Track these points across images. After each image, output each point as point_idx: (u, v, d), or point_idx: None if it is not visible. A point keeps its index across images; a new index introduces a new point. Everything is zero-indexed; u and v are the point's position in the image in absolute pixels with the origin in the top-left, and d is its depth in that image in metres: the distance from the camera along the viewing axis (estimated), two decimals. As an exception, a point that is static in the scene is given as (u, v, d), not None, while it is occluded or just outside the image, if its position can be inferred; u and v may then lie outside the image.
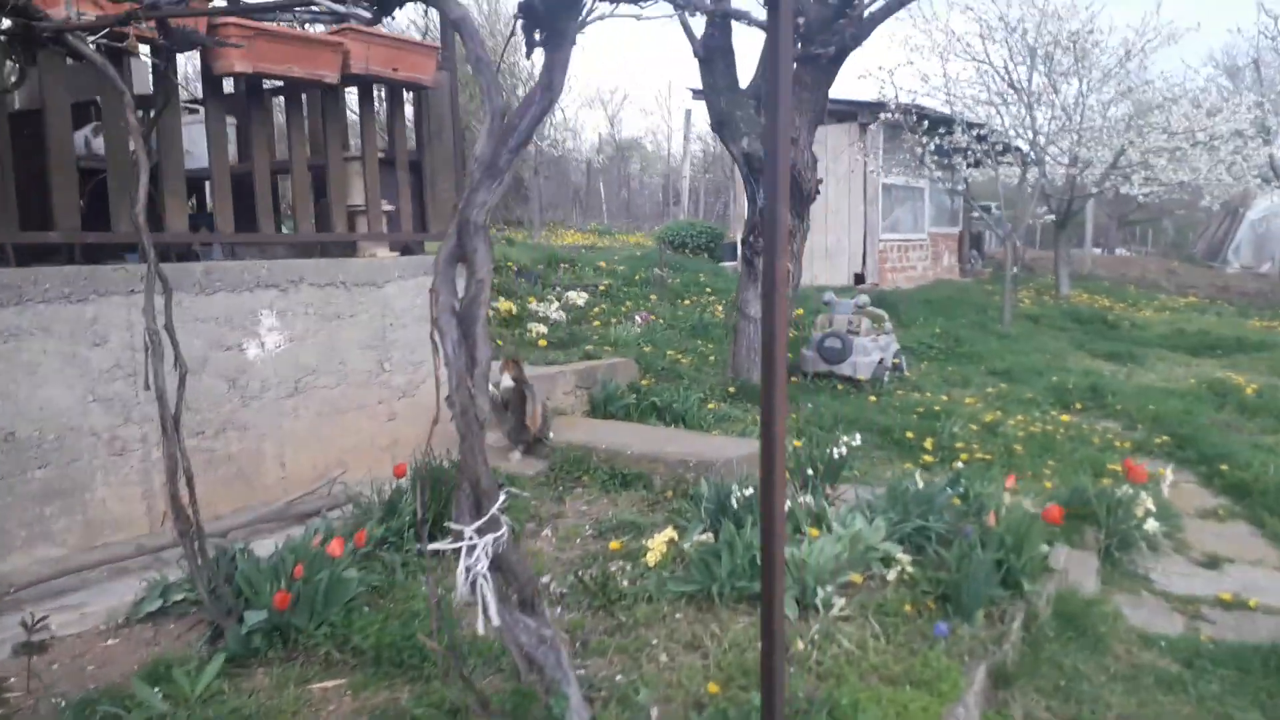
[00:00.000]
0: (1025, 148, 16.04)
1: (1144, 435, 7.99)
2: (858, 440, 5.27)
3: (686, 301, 11.77)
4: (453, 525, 2.56)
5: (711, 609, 3.96)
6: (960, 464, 6.57)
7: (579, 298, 10.85)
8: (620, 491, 5.52)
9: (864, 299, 9.04)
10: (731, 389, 7.76)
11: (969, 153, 14.74)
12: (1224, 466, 6.68)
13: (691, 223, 20.74)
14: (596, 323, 9.52)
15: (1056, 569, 4.46)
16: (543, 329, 8.58)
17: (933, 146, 14.68)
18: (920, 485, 4.71)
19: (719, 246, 18.51)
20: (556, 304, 9.92)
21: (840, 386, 8.72)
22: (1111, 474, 6.35)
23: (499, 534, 2.55)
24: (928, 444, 6.95)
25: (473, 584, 2.49)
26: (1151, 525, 5.18)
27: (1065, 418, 7.99)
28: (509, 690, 2.97)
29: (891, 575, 4.23)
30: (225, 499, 4.74)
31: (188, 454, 3.19)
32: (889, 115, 14.56)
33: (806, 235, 7.81)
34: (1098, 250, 27.76)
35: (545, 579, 4.19)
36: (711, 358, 9.04)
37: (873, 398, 8.37)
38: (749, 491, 4.47)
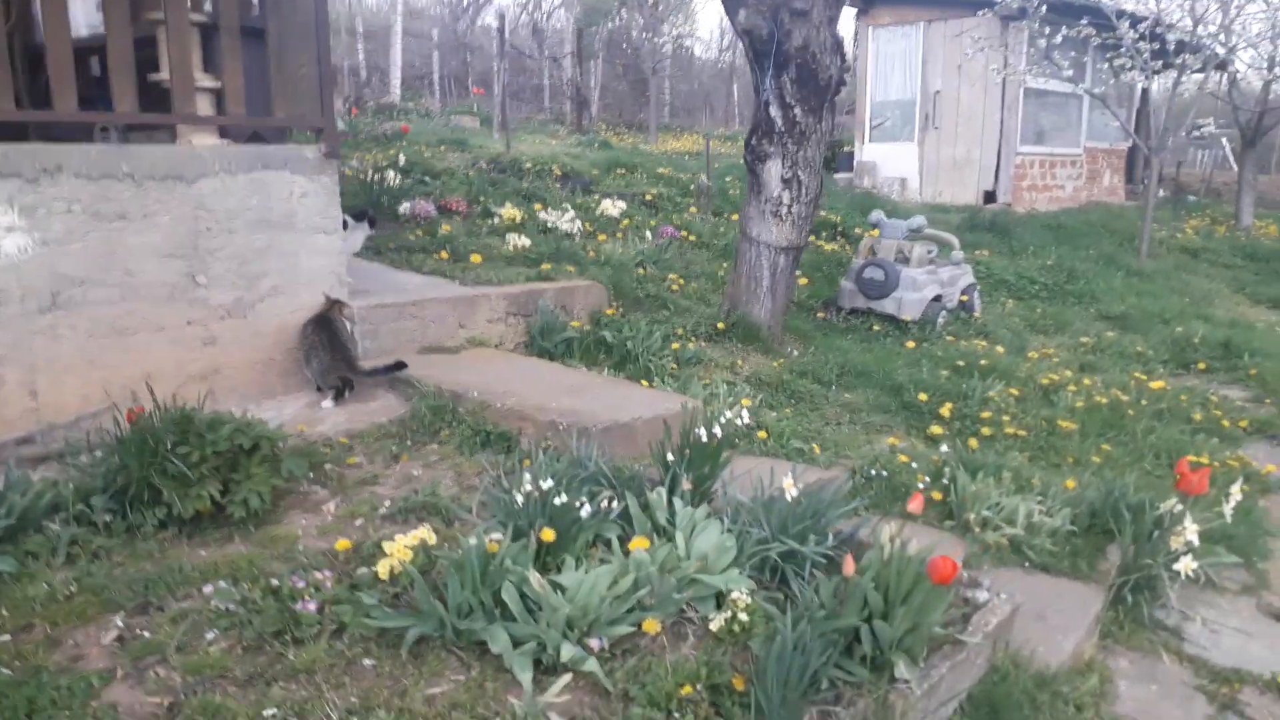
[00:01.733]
0: (1218, 49, 13.15)
1: (1274, 413, 6.03)
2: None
3: (736, 216, 10.16)
4: None
5: (420, 659, 2.73)
6: (978, 441, 4.95)
7: (614, 207, 9.49)
8: (474, 454, 4.28)
9: (920, 220, 7.28)
10: (721, 325, 6.30)
11: (1139, 53, 12.11)
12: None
13: None
14: (603, 237, 8.15)
15: (980, 631, 2.94)
16: (525, 241, 7.31)
17: (1096, 43, 12.16)
18: (793, 489, 3.25)
19: (836, 156, 16.53)
20: (570, 213, 8.59)
21: (877, 327, 7.07)
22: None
23: None
24: (945, 410, 5.33)
25: None
26: (1187, 564, 3.51)
27: (1159, 385, 6.09)
28: None
29: (715, 624, 2.86)
30: (-61, 437, 3.82)
31: None
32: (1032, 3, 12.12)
33: (826, 138, 6.15)
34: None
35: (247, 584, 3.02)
36: (727, 286, 7.54)
37: (912, 343, 6.70)
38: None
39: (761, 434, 4.59)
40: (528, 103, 27.23)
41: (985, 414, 5.28)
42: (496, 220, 8.44)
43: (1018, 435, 5.12)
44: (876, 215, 7.51)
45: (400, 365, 4.79)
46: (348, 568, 3.23)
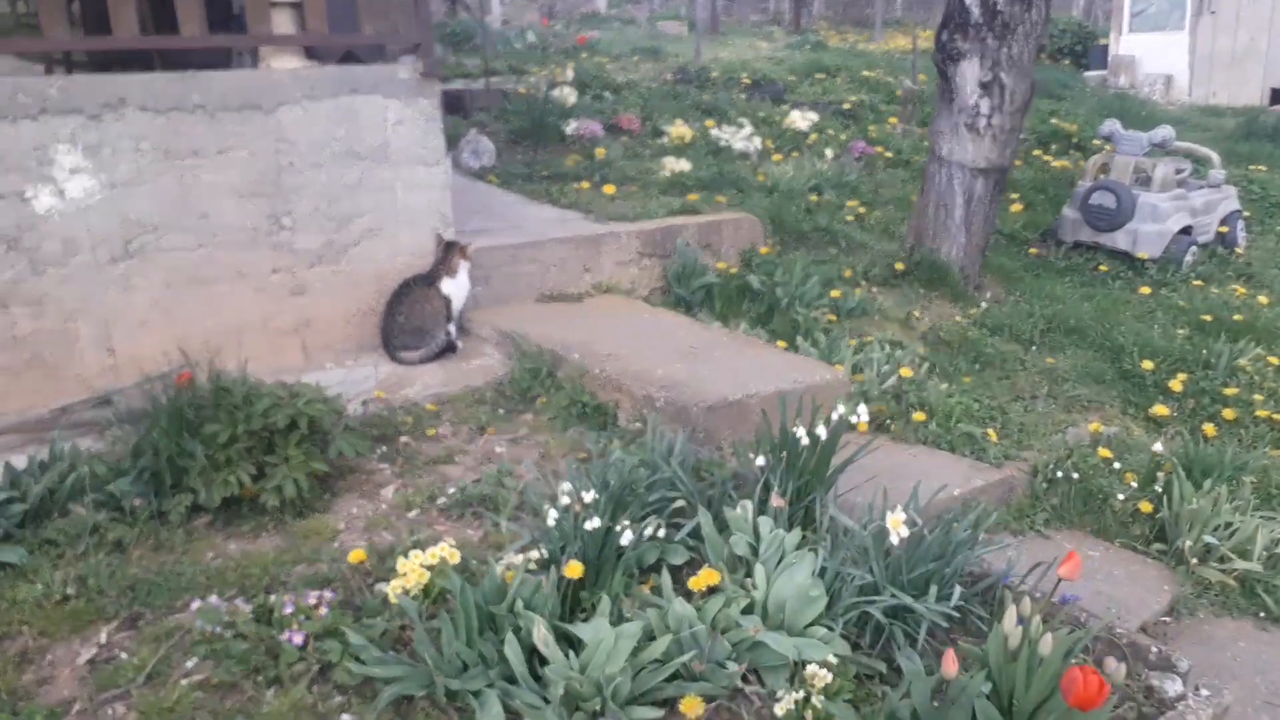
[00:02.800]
0: None
1: None
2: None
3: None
4: None
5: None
6: (1215, 428, 3.86)
7: (803, 119, 8.48)
8: (567, 429, 3.68)
9: (1166, 132, 5.86)
10: (900, 265, 5.32)
11: None
12: None
13: (1054, 19, 16.46)
14: (778, 157, 7.20)
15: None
16: (683, 165, 6.52)
17: None
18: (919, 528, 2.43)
19: (1089, 50, 14.42)
20: (747, 129, 7.69)
21: (1104, 267, 5.81)
22: None
23: None
24: (1176, 383, 4.19)
25: None
26: None
27: None
28: None
29: (781, 707, 2.15)
30: (13, 393, 3.64)
31: None
32: None
33: (1038, 30, 4.92)
34: None
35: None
36: (912, 217, 6.45)
37: (1147, 289, 5.43)
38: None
39: (919, 415, 3.70)
40: (746, 4, 25.78)
41: (1231, 390, 4.10)
42: (665, 140, 7.69)
43: (1273, 422, 3.93)
44: (1109, 126, 6.13)
45: (450, 348, 4.28)
46: (367, 581, 2.74)
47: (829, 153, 7.08)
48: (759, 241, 5.44)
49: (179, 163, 3.82)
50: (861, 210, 6.14)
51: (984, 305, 5.23)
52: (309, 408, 3.13)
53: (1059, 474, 3.39)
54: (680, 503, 2.75)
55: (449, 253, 4.37)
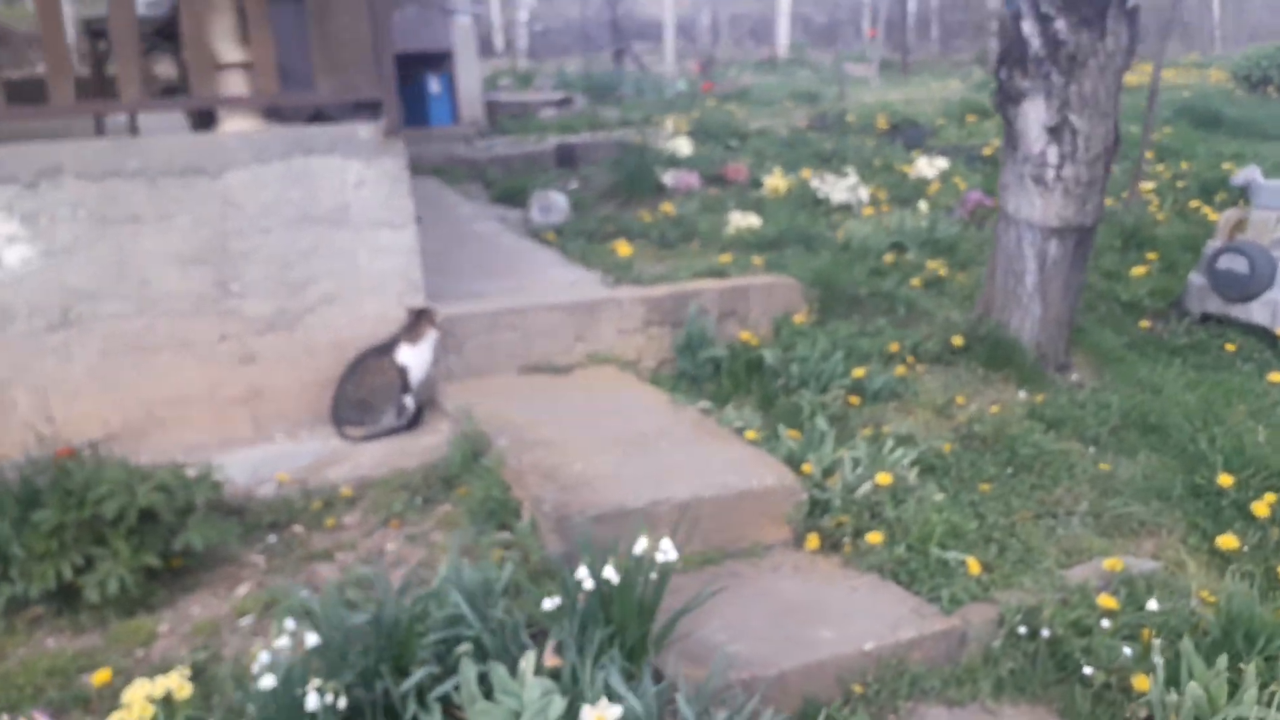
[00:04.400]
0: None
1: None
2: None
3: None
4: None
5: None
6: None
7: (930, 167, 7.70)
8: (475, 525, 3.26)
9: (1318, 180, 4.74)
10: (958, 340, 4.53)
11: None
12: None
13: (1257, 46, 14.47)
14: (869, 210, 6.46)
15: None
16: (751, 221, 5.95)
17: None
18: None
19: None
20: (851, 179, 7.00)
21: (1232, 345, 4.74)
22: None
23: None
24: (1260, 506, 3.24)
25: None
26: None
27: None
28: None
29: None
30: (-52, 459, 3.64)
31: None
32: None
33: (1117, 61, 4.06)
34: None
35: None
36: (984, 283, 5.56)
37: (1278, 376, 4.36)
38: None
39: (873, 536, 3.00)
40: (961, 40, 24.39)
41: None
42: (762, 192, 7.15)
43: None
44: (1247, 173, 5.03)
45: (407, 424, 3.95)
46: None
47: (923, 206, 6.28)
48: (795, 308, 4.81)
49: (117, 229, 3.74)
50: (943, 272, 5.35)
51: (1067, 388, 4.35)
52: (147, 497, 2.88)
53: (1025, 628, 2.61)
54: (466, 646, 2.26)
55: (417, 320, 4.08)
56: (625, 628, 2.23)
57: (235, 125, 3.94)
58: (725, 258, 5.13)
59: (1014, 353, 4.44)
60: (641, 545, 2.26)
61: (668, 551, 2.24)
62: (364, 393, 3.99)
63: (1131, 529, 3.32)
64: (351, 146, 3.99)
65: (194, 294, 3.89)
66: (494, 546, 3.07)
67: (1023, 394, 4.26)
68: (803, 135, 9.34)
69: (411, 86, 9.94)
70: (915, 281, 5.15)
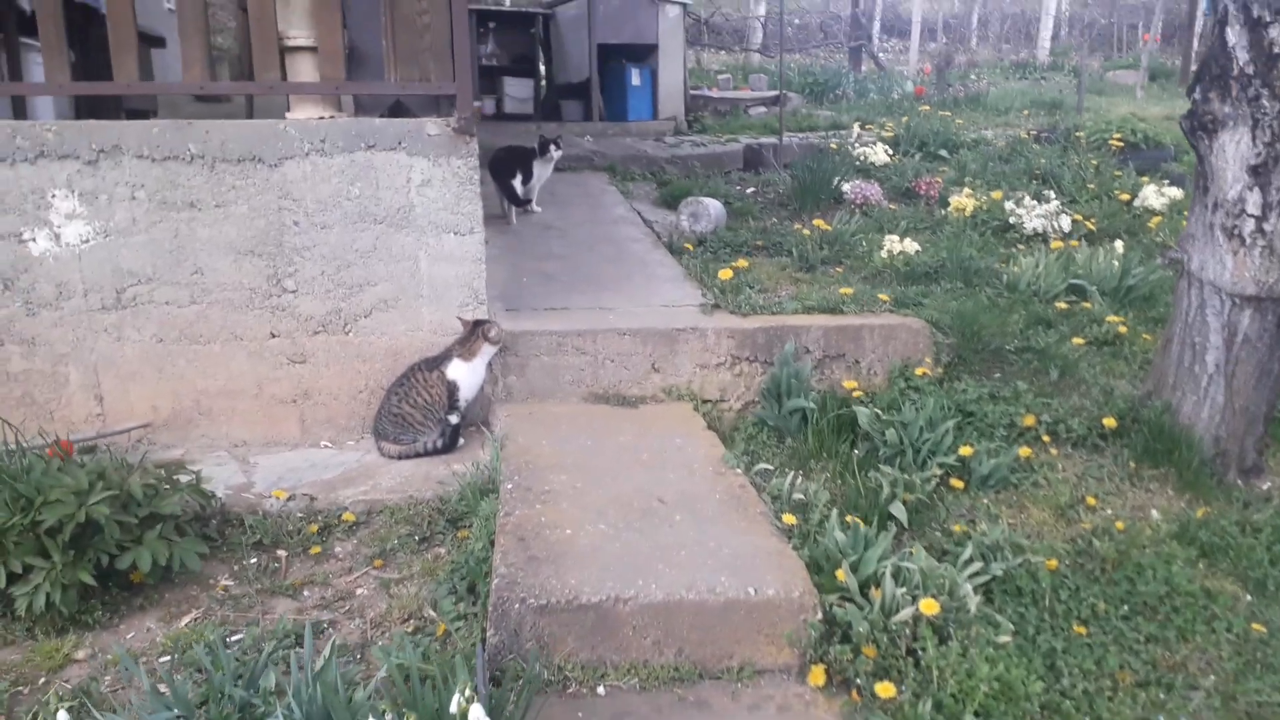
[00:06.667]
0: None
1: None
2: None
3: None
4: None
5: None
6: None
7: (1159, 197, 6.57)
8: (451, 577, 2.90)
9: None
10: (1111, 420, 3.66)
11: None
12: None
13: None
14: (1056, 242, 5.46)
15: None
16: (908, 247, 5.17)
17: None
18: None
19: None
20: (1052, 204, 6.02)
21: None
22: None
23: None
24: None
25: None
26: None
27: None
28: None
29: None
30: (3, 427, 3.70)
31: None
32: None
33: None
34: None
35: None
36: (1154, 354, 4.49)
37: None
38: None
39: (884, 688, 2.34)
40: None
41: None
42: (947, 211, 6.33)
43: None
44: None
45: (447, 446, 3.62)
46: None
47: (1119, 245, 5.24)
48: (920, 356, 4.09)
49: (175, 213, 3.65)
50: (1124, 330, 4.40)
51: (1252, 499, 3.40)
52: (93, 509, 2.71)
53: None
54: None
55: (472, 333, 3.76)
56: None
57: (304, 113, 3.75)
58: (846, 290, 4.44)
59: (1179, 446, 3.52)
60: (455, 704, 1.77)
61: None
62: (406, 407, 3.71)
63: (1267, 722, 2.46)
64: (418, 143, 3.70)
65: (247, 286, 3.75)
66: (452, 617, 2.69)
67: (1182, 502, 3.36)
68: (1022, 148, 8.27)
69: (611, 79, 9.71)
70: (1079, 339, 4.26)
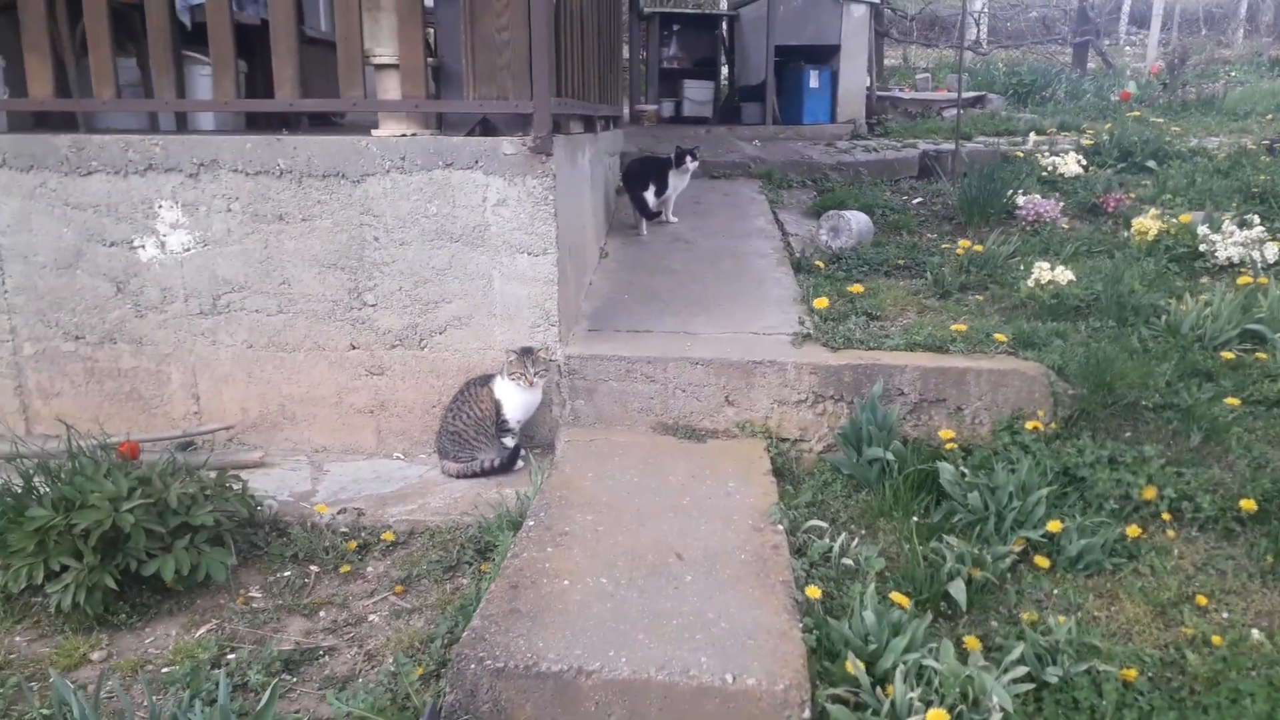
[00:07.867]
0: None
1: None
2: None
3: None
4: None
5: None
6: None
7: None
8: (449, 625, 2.83)
9: None
10: (1250, 503, 3.09)
11: None
12: None
13: None
14: (1244, 278, 4.69)
15: None
16: (1061, 275, 4.59)
17: None
18: None
19: None
20: (1257, 230, 5.22)
21: None
22: None
23: None
24: None
25: None
26: None
27: None
28: None
29: None
30: (116, 419, 3.98)
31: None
32: None
33: None
34: None
35: None
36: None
37: None
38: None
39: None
40: None
41: None
42: (1129, 233, 5.65)
43: None
44: None
45: (504, 465, 3.52)
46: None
47: (1323, 286, 4.44)
48: (1035, 407, 3.63)
49: (265, 225, 3.78)
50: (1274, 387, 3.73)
51: None
52: (123, 516, 2.83)
53: None
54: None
55: (520, 356, 3.65)
56: None
57: (390, 129, 3.78)
58: (959, 326, 4.01)
59: (1338, 542, 2.92)
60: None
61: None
62: (459, 423, 3.68)
63: None
64: (494, 162, 3.65)
65: (330, 298, 3.83)
66: (437, 661, 2.61)
67: (1327, 612, 2.78)
68: (1246, 161, 7.29)
69: (788, 81, 9.39)
70: (1235, 399, 3.63)
